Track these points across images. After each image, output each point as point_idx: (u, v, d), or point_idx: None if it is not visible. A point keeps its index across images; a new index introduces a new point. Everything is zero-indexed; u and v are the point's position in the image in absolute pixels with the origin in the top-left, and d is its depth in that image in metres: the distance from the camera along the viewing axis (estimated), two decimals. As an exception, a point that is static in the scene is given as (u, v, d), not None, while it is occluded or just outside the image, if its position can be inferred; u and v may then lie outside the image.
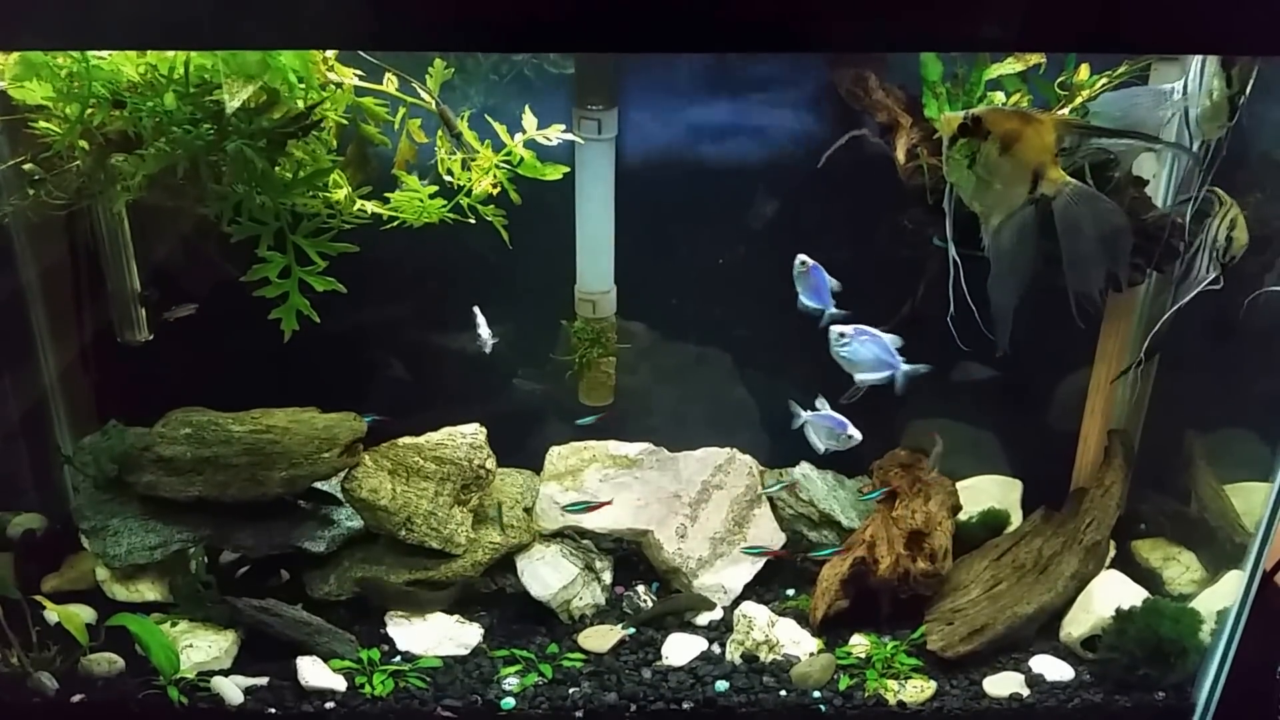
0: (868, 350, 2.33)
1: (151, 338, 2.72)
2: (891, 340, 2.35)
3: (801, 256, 2.35)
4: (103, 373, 2.83)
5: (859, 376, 2.37)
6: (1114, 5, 1.64)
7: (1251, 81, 2.09)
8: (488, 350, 2.53)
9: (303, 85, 2.10)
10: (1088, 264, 1.97)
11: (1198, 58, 2.11)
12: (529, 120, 2.34)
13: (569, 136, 2.39)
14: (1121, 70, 2.32)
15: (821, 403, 2.49)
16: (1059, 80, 2.35)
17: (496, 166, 2.34)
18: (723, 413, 2.93)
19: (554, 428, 2.91)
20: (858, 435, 2.48)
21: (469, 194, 2.36)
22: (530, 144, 2.35)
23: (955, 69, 2.38)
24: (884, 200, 2.56)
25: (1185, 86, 2.15)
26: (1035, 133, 1.92)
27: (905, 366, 2.35)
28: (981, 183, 1.99)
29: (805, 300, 2.37)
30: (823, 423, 2.49)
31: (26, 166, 2.22)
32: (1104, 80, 2.32)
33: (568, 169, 2.43)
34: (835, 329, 2.35)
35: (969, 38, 1.77)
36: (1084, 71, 2.34)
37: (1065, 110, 2.32)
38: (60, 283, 2.70)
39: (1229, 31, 1.70)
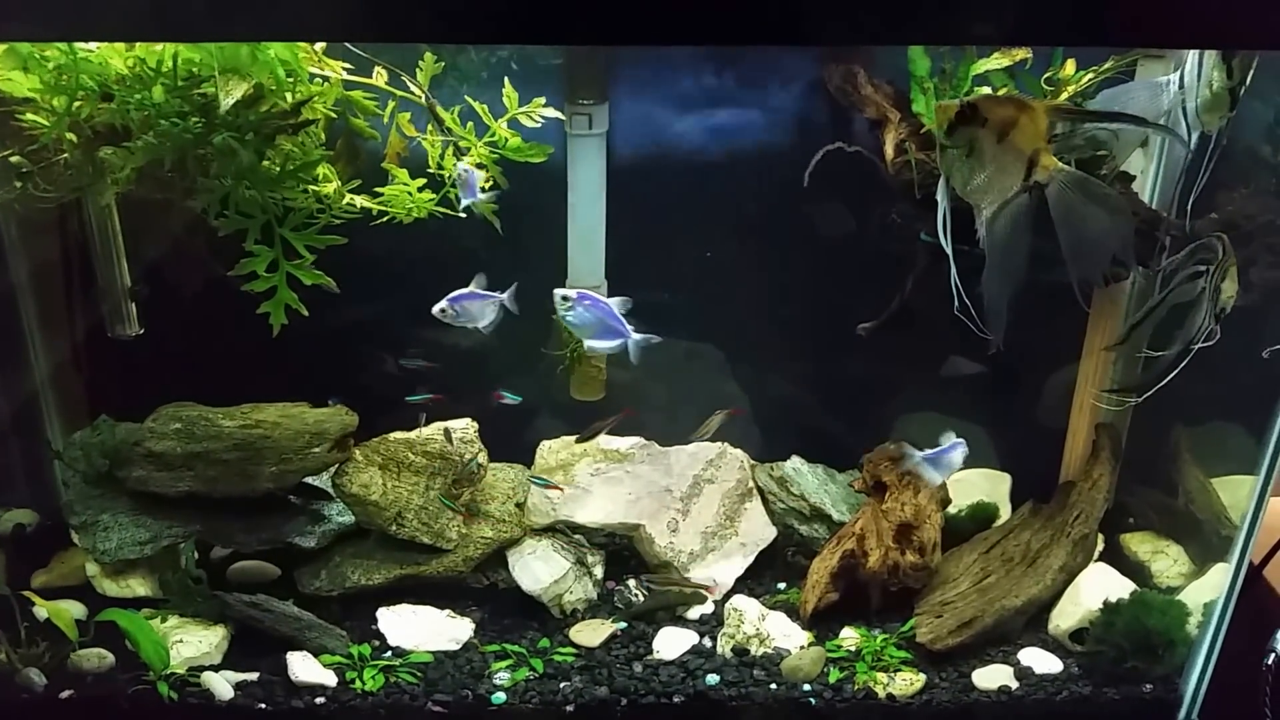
0: (592, 315, 2.25)
1: (142, 332, 2.72)
2: (619, 304, 2.27)
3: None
4: (93, 367, 2.83)
5: (588, 344, 2.32)
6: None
7: (1251, 72, 2.08)
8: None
9: (291, 79, 2.10)
10: (1086, 250, 1.93)
11: (1192, 51, 2.11)
12: (510, 95, 2.33)
13: (550, 112, 2.40)
14: (1108, 66, 2.33)
15: (946, 436, 2.40)
16: (1045, 76, 2.35)
17: (484, 150, 2.34)
18: (714, 407, 2.93)
19: (546, 422, 2.92)
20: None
21: (455, 184, 2.36)
22: (518, 131, 2.35)
23: (943, 64, 2.39)
24: (873, 196, 2.56)
25: (1182, 78, 2.14)
26: (1029, 119, 1.90)
27: (636, 335, 2.28)
28: (976, 172, 1.98)
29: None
30: (951, 455, 2.37)
31: (14, 159, 2.21)
32: (1090, 76, 2.33)
33: (552, 149, 2.44)
34: (559, 292, 2.29)
35: (957, 32, 1.77)
36: (1070, 67, 2.35)
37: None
38: (50, 277, 2.69)
39: (1219, 25, 1.69)
